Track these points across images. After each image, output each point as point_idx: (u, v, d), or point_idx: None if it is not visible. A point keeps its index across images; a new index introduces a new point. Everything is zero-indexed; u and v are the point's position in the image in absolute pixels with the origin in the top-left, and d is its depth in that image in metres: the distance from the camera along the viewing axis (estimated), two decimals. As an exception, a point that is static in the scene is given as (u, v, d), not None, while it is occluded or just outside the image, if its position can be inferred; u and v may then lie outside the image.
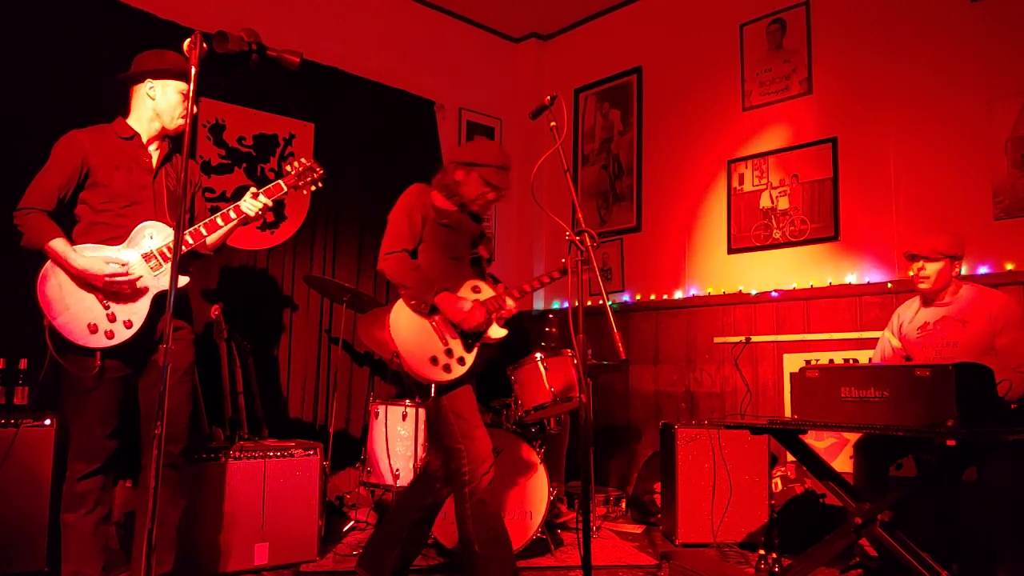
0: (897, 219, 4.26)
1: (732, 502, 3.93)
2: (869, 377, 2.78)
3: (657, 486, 4.45)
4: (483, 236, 3.19)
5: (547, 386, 3.55)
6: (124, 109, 2.79)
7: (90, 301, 2.56)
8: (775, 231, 4.79)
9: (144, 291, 2.62)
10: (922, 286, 3.27)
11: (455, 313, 2.85)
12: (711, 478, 3.96)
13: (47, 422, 3.08)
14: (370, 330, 3.37)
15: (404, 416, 4.10)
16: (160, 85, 2.73)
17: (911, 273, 3.34)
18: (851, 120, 4.51)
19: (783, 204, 4.77)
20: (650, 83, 5.68)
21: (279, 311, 4.81)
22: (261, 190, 2.81)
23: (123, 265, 2.58)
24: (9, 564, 2.94)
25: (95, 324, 2.55)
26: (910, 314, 3.42)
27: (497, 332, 2.99)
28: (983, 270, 3.90)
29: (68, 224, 2.66)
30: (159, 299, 2.63)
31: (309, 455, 3.55)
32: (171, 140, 2.85)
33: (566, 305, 5.94)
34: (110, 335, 2.56)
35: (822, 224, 4.58)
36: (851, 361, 4.18)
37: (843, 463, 4.06)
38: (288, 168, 2.91)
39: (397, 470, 4.03)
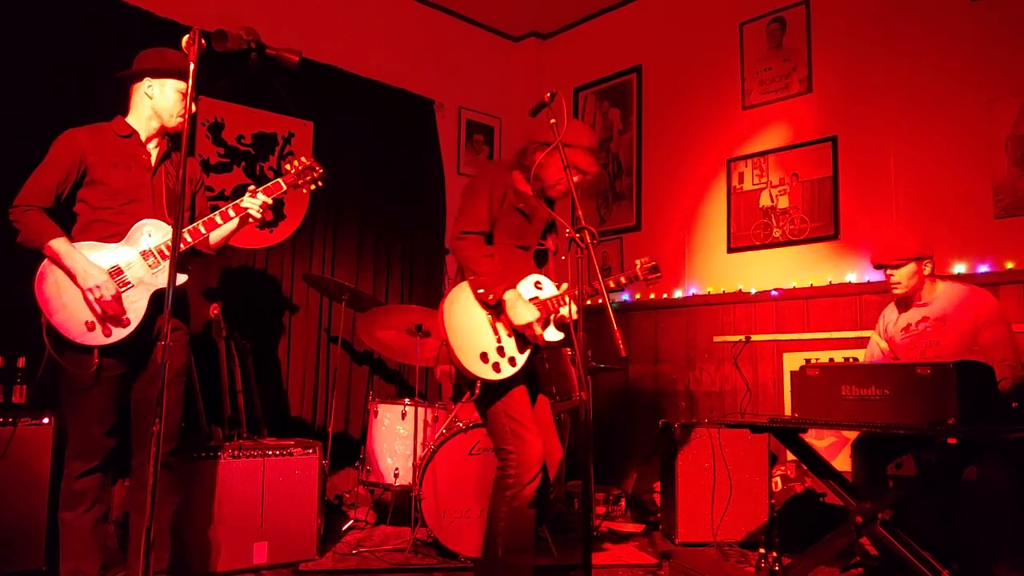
0: (897, 218, 4.25)
1: (732, 501, 3.93)
2: (869, 375, 2.78)
3: (657, 485, 4.44)
4: (554, 226, 2.97)
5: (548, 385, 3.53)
6: (124, 107, 2.79)
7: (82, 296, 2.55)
8: (775, 230, 4.78)
9: (123, 314, 2.59)
10: (897, 291, 3.32)
11: (516, 315, 2.66)
12: (711, 477, 3.96)
13: (45, 421, 3.07)
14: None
15: (403, 415, 4.09)
16: (159, 84, 2.72)
17: (888, 286, 3.37)
18: (851, 119, 4.50)
19: (783, 203, 4.77)
20: (650, 82, 5.68)
21: (278, 310, 4.80)
22: (260, 188, 2.81)
23: (108, 290, 2.54)
24: (7, 563, 2.93)
25: (92, 322, 2.54)
26: (894, 316, 3.46)
27: (553, 335, 2.78)
28: (983, 269, 3.90)
29: (66, 222, 2.65)
30: (157, 297, 2.63)
31: (308, 454, 3.54)
32: (171, 138, 2.84)
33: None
34: (107, 333, 2.55)
35: (822, 223, 4.57)
36: (851, 360, 4.18)
37: (843, 462, 4.05)
38: (288, 167, 2.91)
39: (396, 469, 4.02)
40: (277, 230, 4.83)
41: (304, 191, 2.93)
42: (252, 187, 2.80)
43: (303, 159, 2.92)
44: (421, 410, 4.00)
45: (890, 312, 3.50)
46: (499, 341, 2.71)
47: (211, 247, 2.88)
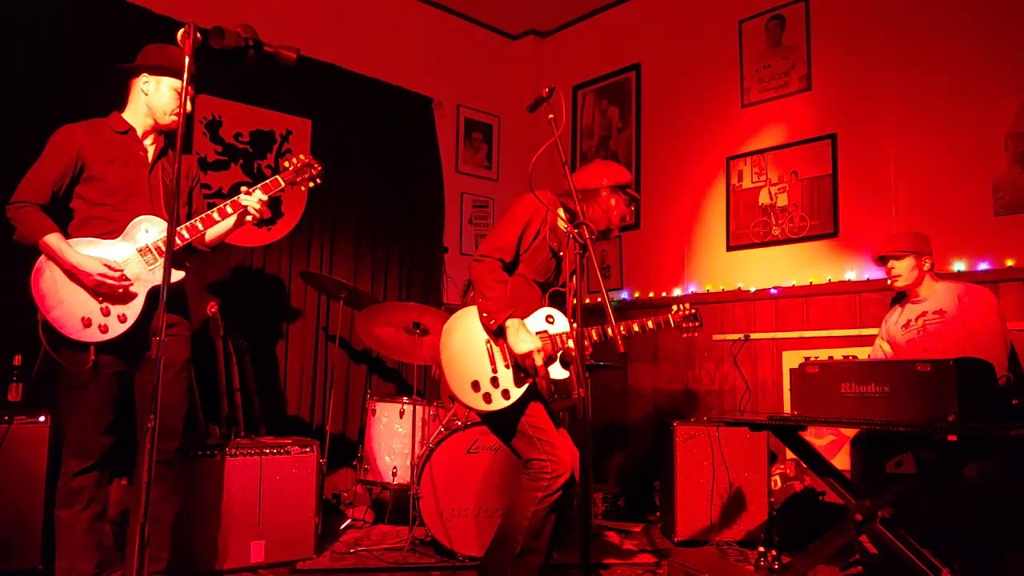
0: (897, 215, 4.24)
1: (731, 500, 3.92)
2: (869, 373, 2.77)
3: (656, 484, 4.44)
4: (581, 269, 2.88)
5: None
6: (121, 102, 2.77)
7: (84, 295, 2.54)
8: (774, 228, 4.77)
9: (134, 294, 2.59)
10: (897, 284, 3.44)
11: (516, 342, 2.60)
12: (710, 476, 3.95)
13: (41, 419, 3.05)
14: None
15: (402, 413, 4.08)
16: (155, 81, 2.71)
17: (888, 279, 3.48)
18: (850, 116, 4.49)
19: (782, 201, 4.76)
20: (649, 80, 5.67)
21: (276, 308, 4.79)
22: (258, 185, 2.79)
23: (117, 270, 2.55)
24: (3, 561, 2.91)
25: (89, 318, 2.53)
26: (894, 318, 3.55)
27: (559, 372, 2.69)
28: (983, 266, 3.89)
29: (63, 218, 2.63)
30: (154, 293, 2.61)
31: (306, 452, 3.53)
32: (167, 134, 2.83)
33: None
34: (104, 329, 2.54)
35: (821, 221, 4.56)
36: (850, 358, 4.17)
37: (842, 460, 4.04)
38: (286, 164, 2.90)
39: (394, 468, 4.01)
40: (275, 228, 4.81)
41: (303, 188, 2.92)
42: (245, 187, 2.79)
43: (301, 156, 2.91)
44: (419, 408, 3.99)
45: (891, 315, 3.58)
46: (495, 371, 2.65)
47: (207, 244, 2.87)
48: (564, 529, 2.78)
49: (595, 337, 2.72)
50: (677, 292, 5.21)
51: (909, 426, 2.57)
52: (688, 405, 5.01)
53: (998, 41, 3.96)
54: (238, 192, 2.79)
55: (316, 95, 5.01)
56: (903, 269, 3.40)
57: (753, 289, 4.78)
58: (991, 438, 2.57)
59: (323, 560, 3.50)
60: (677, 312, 2.92)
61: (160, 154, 2.79)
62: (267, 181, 2.82)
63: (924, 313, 3.39)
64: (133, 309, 2.59)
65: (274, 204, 4.75)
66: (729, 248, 4.98)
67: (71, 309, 2.52)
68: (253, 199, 2.76)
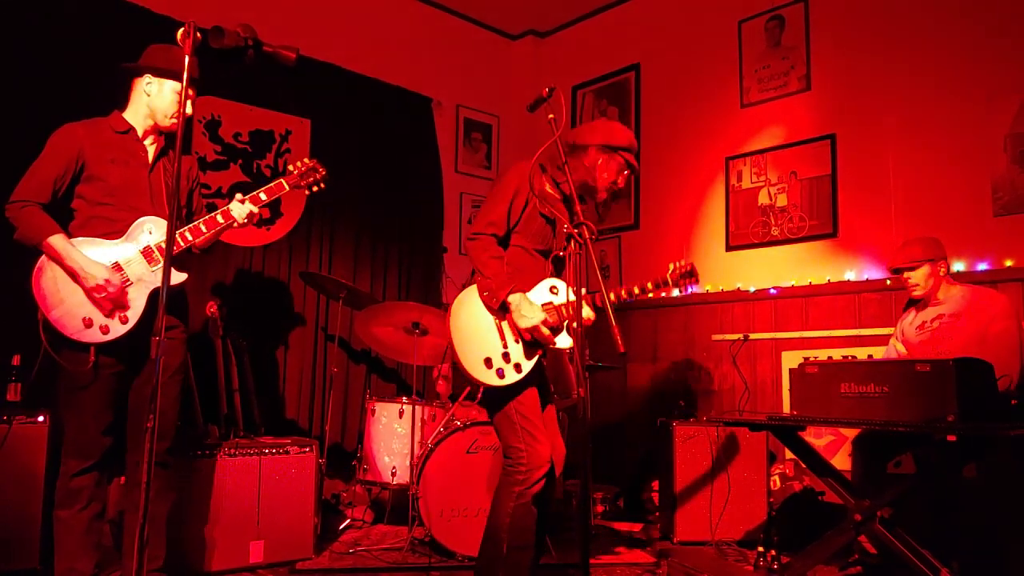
0: (896, 216, 4.25)
1: (730, 500, 3.92)
2: (869, 373, 2.77)
3: (655, 484, 4.43)
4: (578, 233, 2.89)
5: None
6: (122, 102, 2.76)
7: (85, 296, 2.53)
8: (773, 228, 4.77)
9: (127, 306, 2.59)
10: (916, 293, 3.41)
11: (520, 318, 2.59)
12: (709, 476, 3.95)
13: (40, 419, 3.05)
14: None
15: (401, 413, 4.07)
16: (158, 83, 2.70)
17: (907, 290, 3.44)
18: (850, 117, 4.50)
19: (781, 201, 4.76)
20: (648, 80, 5.67)
21: (275, 308, 4.79)
22: (262, 189, 2.80)
23: (114, 282, 2.54)
24: (2, 562, 2.91)
25: (90, 319, 2.52)
26: (909, 319, 3.53)
27: (564, 341, 2.67)
28: (982, 267, 3.90)
29: (64, 218, 2.63)
30: (156, 295, 2.60)
31: (305, 452, 3.52)
32: (168, 135, 2.82)
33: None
34: (105, 330, 2.53)
35: (820, 221, 4.56)
36: (850, 358, 4.17)
37: (842, 460, 4.04)
38: (291, 168, 2.91)
39: (394, 468, 4.01)
40: (274, 228, 4.81)
41: (306, 192, 2.93)
42: (239, 195, 2.78)
43: (306, 160, 2.91)
44: (419, 408, 3.99)
45: (906, 315, 3.57)
46: (505, 347, 2.64)
47: (198, 246, 2.85)
48: (563, 528, 2.79)
49: (597, 304, 2.71)
50: (676, 292, 5.21)
51: (909, 426, 2.57)
52: (687, 405, 5.00)
53: (997, 41, 3.96)
54: (238, 192, 2.78)
55: (315, 95, 5.01)
56: (920, 278, 3.35)
57: (752, 289, 4.78)
58: (990, 438, 2.57)
59: (322, 560, 3.49)
60: (674, 271, 2.89)
61: (160, 154, 2.78)
62: (271, 184, 2.82)
63: (940, 316, 3.36)
64: (134, 310, 2.59)
65: (273, 204, 4.74)
66: (728, 248, 4.98)
67: (72, 309, 2.51)
68: (243, 211, 2.75)
